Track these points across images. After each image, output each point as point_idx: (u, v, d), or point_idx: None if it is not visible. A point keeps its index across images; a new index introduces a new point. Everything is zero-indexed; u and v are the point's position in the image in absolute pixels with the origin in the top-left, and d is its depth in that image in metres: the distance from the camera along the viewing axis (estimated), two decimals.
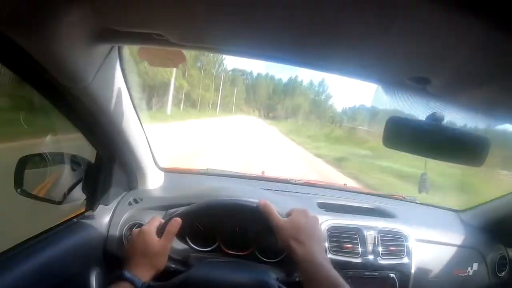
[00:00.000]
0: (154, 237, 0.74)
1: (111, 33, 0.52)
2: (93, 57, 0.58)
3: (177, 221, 0.76)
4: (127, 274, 0.67)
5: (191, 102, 35.36)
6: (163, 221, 0.78)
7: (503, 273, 1.18)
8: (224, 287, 0.72)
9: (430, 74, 0.53)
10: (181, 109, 30.22)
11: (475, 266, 1.13)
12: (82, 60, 0.56)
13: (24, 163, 0.80)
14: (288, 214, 0.76)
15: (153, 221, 0.78)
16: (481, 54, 0.42)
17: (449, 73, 0.52)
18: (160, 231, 0.76)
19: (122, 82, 0.71)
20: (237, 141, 12.84)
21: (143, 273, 0.70)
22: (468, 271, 1.12)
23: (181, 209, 0.82)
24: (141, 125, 0.88)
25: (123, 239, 0.91)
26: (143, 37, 0.53)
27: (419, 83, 0.56)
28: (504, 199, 1.23)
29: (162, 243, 0.74)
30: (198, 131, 14.81)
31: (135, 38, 0.54)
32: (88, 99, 0.65)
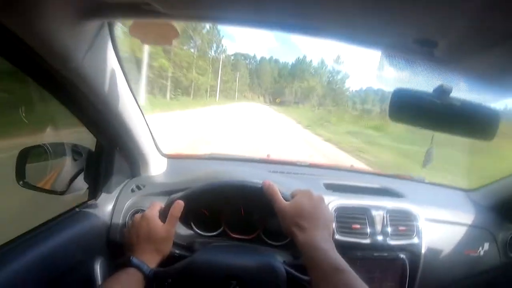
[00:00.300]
0: (157, 222, 0.73)
1: (98, 8, 0.50)
2: (82, 35, 0.56)
3: (180, 204, 0.75)
4: (134, 260, 0.66)
5: (183, 89, 29.85)
6: (163, 206, 0.77)
7: None
8: (229, 271, 0.70)
9: (437, 35, 0.50)
10: (168, 97, 25.24)
11: (486, 246, 1.11)
12: (70, 39, 0.54)
13: (24, 155, 0.79)
14: (293, 195, 0.74)
15: (154, 206, 0.77)
16: (492, 12, 0.40)
17: (457, 34, 0.49)
18: (163, 215, 0.74)
19: (115, 62, 0.69)
20: (243, 134, 10.61)
21: (150, 259, 0.69)
22: (479, 251, 1.10)
23: (183, 192, 0.80)
24: (140, 109, 0.86)
25: (127, 227, 0.90)
26: (131, 9, 0.51)
27: (425, 46, 0.53)
28: None
29: (166, 227, 0.72)
30: (186, 126, 11.50)
31: (122, 10, 0.52)
32: (80, 81, 0.63)
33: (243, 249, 0.86)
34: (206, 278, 0.70)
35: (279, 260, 0.79)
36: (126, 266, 0.65)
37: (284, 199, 0.71)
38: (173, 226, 0.74)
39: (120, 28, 0.72)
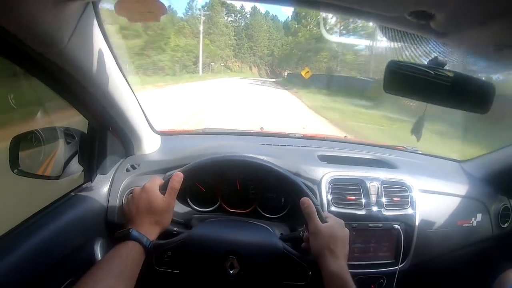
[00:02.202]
0: (158, 194, 0.72)
1: None
2: (66, 16, 0.53)
3: (179, 175, 0.74)
4: (134, 233, 0.65)
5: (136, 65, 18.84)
6: (163, 180, 0.76)
7: (506, 224, 1.19)
8: (227, 246, 0.72)
9: (433, 8, 0.48)
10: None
11: (479, 217, 1.13)
12: (53, 21, 0.51)
13: (17, 142, 0.78)
14: (326, 217, 0.73)
15: (154, 179, 0.75)
16: None
17: (454, 7, 0.48)
18: (163, 188, 0.73)
19: (102, 42, 0.66)
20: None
21: (149, 232, 0.68)
22: (472, 222, 1.12)
23: (181, 169, 0.79)
24: (131, 88, 0.84)
25: (126, 200, 0.90)
26: None
27: (421, 19, 0.52)
28: (507, 150, 1.22)
29: (166, 199, 0.71)
30: None
31: None
32: (67, 63, 0.61)
33: (241, 224, 0.87)
34: (205, 252, 0.71)
35: (276, 234, 0.82)
36: (125, 239, 0.64)
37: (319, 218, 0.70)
38: (173, 198, 0.73)
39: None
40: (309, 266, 0.71)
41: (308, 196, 0.74)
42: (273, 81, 34.84)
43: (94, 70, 0.66)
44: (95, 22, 0.61)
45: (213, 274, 0.71)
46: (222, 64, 48.00)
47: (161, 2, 0.57)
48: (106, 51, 0.68)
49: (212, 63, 41.19)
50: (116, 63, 0.74)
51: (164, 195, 0.72)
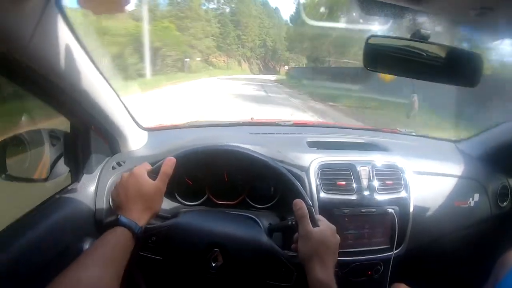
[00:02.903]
0: (147, 179, 0.68)
1: None
2: (25, 12, 0.51)
3: (172, 160, 0.70)
4: (122, 219, 0.62)
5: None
6: (151, 166, 0.73)
7: (505, 203, 1.17)
8: (212, 238, 0.70)
9: None
10: None
11: (476, 197, 1.11)
12: (12, 16, 0.49)
13: (3, 147, 0.77)
14: (318, 219, 0.70)
15: (143, 165, 0.72)
16: None
17: None
18: (152, 173, 0.70)
19: (69, 37, 0.64)
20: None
21: (139, 218, 0.65)
22: (469, 202, 1.10)
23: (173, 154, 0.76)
24: (109, 84, 0.82)
25: (111, 205, 0.89)
26: None
27: None
28: (503, 127, 1.19)
29: (157, 184, 0.68)
30: None
31: None
32: (34, 61, 0.59)
33: (229, 216, 0.85)
34: (189, 241, 0.70)
35: (264, 227, 0.80)
36: (113, 225, 0.61)
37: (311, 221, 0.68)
38: (164, 183, 0.69)
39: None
40: (295, 268, 0.69)
41: (293, 183, 0.72)
42: (272, 80, 27.11)
43: (64, 67, 0.64)
44: (59, 17, 0.59)
45: (195, 264, 0.69)
46: (199, 59, 35.61)
47: None
48: (75, 46, 0.66)
49: (187, 59, 30.03)
50: (89, 58, 0.72)
51: (154, 180, 0.69)
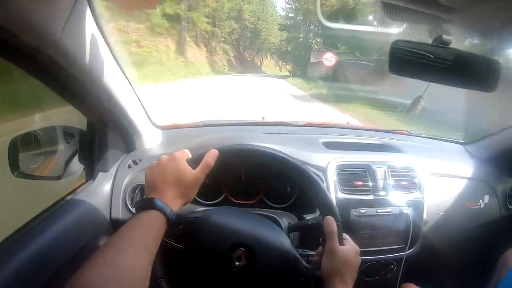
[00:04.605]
0: (187, 166, 0.66)
1: None
2: (57, 8, 0.51)
3: (215, 152, 0.68)
4: (158, 202, 0.59)
5: None
6: (190, 155, 0.70)
7: None
8: (240, 237, 0.68)
9: None
10: None
11: (486, 198, 1.12)
12: (45, 12, 0.49)
13: (16, 145, 0.76)
14: (344, 238, 0.71)
15: (183, 151, 0.70)
16: None
17: None
18: (192, 162, 0.68)
19: (97, 33, 0.64)
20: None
21: (174, 203, 0.62)
22: (480, 204, 1.11)
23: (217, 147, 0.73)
24: (129, 81, 0.82)
25: (127, 203, 0.89)
26: None
27: None
28: (510, 130, 1.20)
29: (196, 174, 0.65)
30: None
31: None
32: (62, 56, 0.59)
33: (254, 216, 0.81)
34: (215, 236, 0.68)
35: (284, 224, 0.80)
36: (148, 208, 0.59)
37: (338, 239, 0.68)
38: (204, 174, 0.66)
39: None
40: (314, 280, 0.68)
41: (315, 178, 0.71)
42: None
43: (90, 64, 0.64)
44: (89, 12, 0.59)
45: (218, 261, 0.68)
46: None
47: None
48: (102, 43, 0.66)
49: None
50: (112, 55, 0.72)
51: (193, 169, 0.66)
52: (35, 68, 0.62)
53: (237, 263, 0.67)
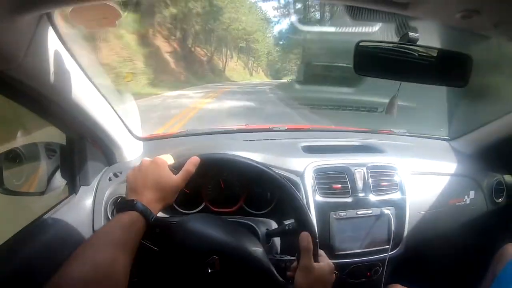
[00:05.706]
0: (168, 171, 0.66)
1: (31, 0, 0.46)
2: (18, 31, 0.51)
3: (196, 159, 0.68)
4: (139, 205, 0.60)
5: None
6: (173, 160, 0.71)
7: (500, 199, 1.18)
8: (214, 245, 0.69)
9: None
10: None
11: (472, 194, 1.12)
12: (5, 37, 0.49)
13: None
14: (320, 255, 0.70)
15: (165, 156, 0.71)
16: None
17: None
18: (174, 167, 0.68)
19: (63, 52, 0.64)
20: None
21: (153, 206, 0.63)
22: (465, 200, 1.11)
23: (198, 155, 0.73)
24: (103, 96, 0.83)
25: (109, 216, 0.89)
26: None
27: None
28: (495, 124, 1.20)
29: (177, 179, 0.66)
30: None
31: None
32: (28, 79, 0.59)
33: (231, 224, 0.81)
34: (191, 242, 0.68)
35: (262, 232, 0.80)
36: (129, 209, 0.59)
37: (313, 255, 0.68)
38: (184, 180, 0.67)
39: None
40: None
41: (292, 192, 0.71)
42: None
43: (59, 82, 0.64)
44: (52, 33, 0.59)
45: (191, 265, 0.68)
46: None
47: (116, 7, 0.56)
48: (69, 61, 0.67)
49: None
50: (84, 72, 0.73)
51: (174, 174, 0.67)
52: (7, 90, 0.62)
53: (209, 270, 0.67)
